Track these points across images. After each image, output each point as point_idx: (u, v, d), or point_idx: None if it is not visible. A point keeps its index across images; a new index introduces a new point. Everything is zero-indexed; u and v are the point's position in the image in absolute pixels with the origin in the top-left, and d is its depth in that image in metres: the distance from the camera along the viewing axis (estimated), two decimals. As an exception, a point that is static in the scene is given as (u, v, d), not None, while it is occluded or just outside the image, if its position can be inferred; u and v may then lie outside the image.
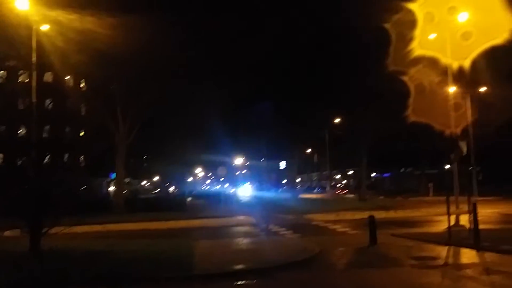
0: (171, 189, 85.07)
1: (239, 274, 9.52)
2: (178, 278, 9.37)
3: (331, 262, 11.05)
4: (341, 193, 66.75)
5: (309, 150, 68.39)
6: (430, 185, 46.22)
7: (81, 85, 38.48)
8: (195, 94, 34.58)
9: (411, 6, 26.24)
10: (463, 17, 22.69)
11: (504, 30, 26.85)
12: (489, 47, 29.34)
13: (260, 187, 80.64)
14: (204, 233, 18.55)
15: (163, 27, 24.45)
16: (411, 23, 25.72)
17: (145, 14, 22.77)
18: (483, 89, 38.36)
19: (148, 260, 10.80)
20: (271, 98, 46.87)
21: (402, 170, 77.00)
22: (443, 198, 37.10)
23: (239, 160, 57.63)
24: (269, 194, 63.15)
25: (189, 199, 48.75)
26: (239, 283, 9.00)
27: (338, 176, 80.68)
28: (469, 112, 38.97)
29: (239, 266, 10.09)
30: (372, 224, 13.26)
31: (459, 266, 9.56)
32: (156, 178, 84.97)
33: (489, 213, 20.98)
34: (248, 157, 58.77)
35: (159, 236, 17.30)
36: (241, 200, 45.76)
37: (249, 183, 77.67)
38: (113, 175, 44.24)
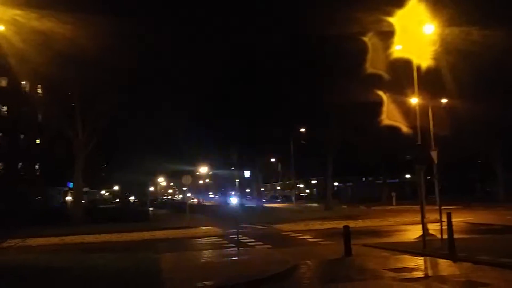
0: (132, 198, 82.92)
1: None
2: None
3: (308, 275, 10.54)
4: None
5: (273, 160, 68.23)
6: (393, 194, 46.81)
7: (38, 91, 36.75)
8: (158, 102, 33.74)
9: (379, 17, 26.62)
10: (429, 29, 23.07)
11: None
12: (452, 59, 30.26)
13: (225, 198, 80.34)
14: (169, 245, 17.73)
15: (127, 31, 23.61)
16: (382, 34, 26.03)
17: (109, 16, 21.84)
18: (444, 101, 39.29)
19: (111, 279, 9.92)
20: (236, 107, 46.40)
21: (363, 179, 78.29)
22: (406, 207, 37.72)
23: (203, 169, 56.67)
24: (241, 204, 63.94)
25: (151, 209, 47.40)
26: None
27: (302, 186, 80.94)
28: (431, 124, 39.84)
29: (209, 282, 9.34)
30: (347, 235, 12.88)
31: (441, 279, 9.24)
32: (115, 188, 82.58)
33: (455, 222, 21.06)
34: (212, 166, 57.90)
35: (121, 249, 16.35)
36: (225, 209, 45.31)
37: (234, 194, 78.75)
38: (71, 185, 42.42)
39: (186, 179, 33.48)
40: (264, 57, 41.30)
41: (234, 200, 64.89)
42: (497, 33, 25.91)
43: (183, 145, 51.03)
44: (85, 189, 44.41)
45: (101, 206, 50.12)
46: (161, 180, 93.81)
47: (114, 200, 78.40)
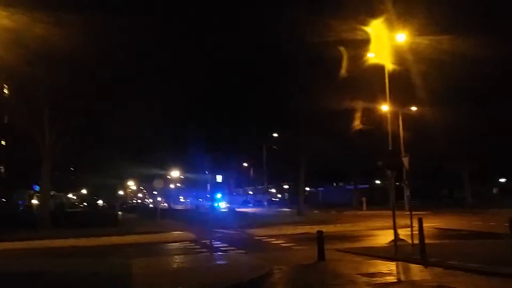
0: (100, 202, 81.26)
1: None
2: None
3: (283, 281, 10.47)
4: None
5: (245, 164, 68.28)
6: (364, 199, 47.49)
7: (4, 90, 35.55)
8: (128, 105, 33.18)
9: (352, 26, 27.00)
10: (401, 37, 23.52)
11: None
12: (422, 67, 30.98)
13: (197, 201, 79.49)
14: (139, 250, 17.38)
15: (98, 29, 23.09)
16: (355, 42, 26.39)
17: (79, 14, 21.29)
18: (414, 108, 40.16)
19: (82, 284, 9.59)
20: (209, 112, 46.20)
21: (334, 184, 79.14)
22: (377, 212, 38.18)
23: (175, 173, 56.05)
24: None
25: (120, 213, 46.50)
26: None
27: (273, 190, 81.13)
28: (401, 130, 40.70)
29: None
30: (320, 240, 12.90)
31: (413, 284, 9.34)
32: (83, 191, 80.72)
33: (425, 227, 21.44)
34: (184, 170, 57.36)
35: (90, 254, 15.91)
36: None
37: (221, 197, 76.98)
38: (37, 187, 41.19)
39: (158, 183, 33.08)
40: (238, 63, 41.36)
41: (222, 204, 63.95)
42: (466, 42, 26.62)
43: (154, 149, 50.32)
44: (52, 192, 43.19)
45: (68, 210, 48.84)
46: (131, 184, 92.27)
47: (82, 204, 76.65)
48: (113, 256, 15.17)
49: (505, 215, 24.86)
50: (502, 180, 67.36)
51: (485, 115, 35.63)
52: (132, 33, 25.34)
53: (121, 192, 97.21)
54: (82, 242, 20.18)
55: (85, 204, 75.60)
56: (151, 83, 33.15)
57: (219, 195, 63.13)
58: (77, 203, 76.28)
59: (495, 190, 67.58)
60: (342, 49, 25.47)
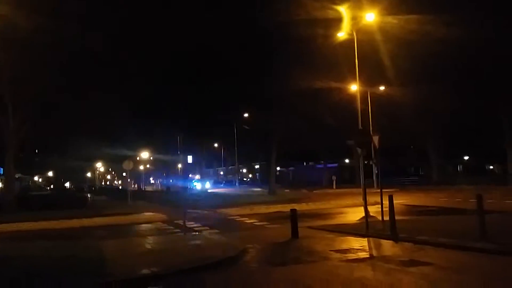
0: (67, 184, 79.66)
1: (157, 278, 8.53)
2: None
3: (257, 259, 10.54)
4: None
5: (216, 145, 68.00)
6: (334, 178, 48.22)
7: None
8: (96, 84, 32.26)
9: (323, 4, 26.92)
10: (370, 17, 23.61)
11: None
12: (390, 47, 31.29)
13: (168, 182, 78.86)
14: (111, 232, 17.13)
15: (63, 8, 22.26)
16: (326, 21, 26.35)
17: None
18: (382, 88, 40.72)
19: (54, 267, 9.37)
20: (180, 92, 45.49)
21: (304, 163, 79.96)
22: (346, 190, 38.87)
23: (145, 154, 55.30)
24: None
25: (89, 195, 45.71)
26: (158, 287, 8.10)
27: (244, 170, 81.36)
28: (370, 109, 41.28)
29: (156, 269, 9.04)
30: (294, 218, 13.03)
31: (385, 259, 9.56)
32: (50, 174, 78.89)
33: (394, 204, 22.06)
34: (154, 151, 56.60)
35: (60, 237, 15.59)
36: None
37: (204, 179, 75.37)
38: (1, 171, 39.93)
39: (127, 164, 32.55)
40: (210, 42, 40.71)
41: (198, 185, 63.52)
42: (434, 21, 27.00)
43: (123, 129, 49.40)
44: (17, 175, 41.96)
45: (34, 193, 47.60)
46: (100, 166, 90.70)
47: (49, 187, 74.91)
48: (85, 239, 14.92)
49: (470, 191, 25.84)
50: (466, 157, 69.66)
51: (452, 93, 36.42)
52: (97, 14, 24.58)
53: (89, 174, 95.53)
54: (51, 225, 19.73)
55: (51, 187, 73.96)
56: (118, 63, 32.34)
57: (197, 177, 63.00)
58: (43, 186, 74.53)
59: (459, 168, 69.95)
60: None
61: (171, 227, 17.73)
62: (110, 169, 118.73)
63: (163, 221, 20.19)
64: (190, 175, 69.62)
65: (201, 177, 73.35)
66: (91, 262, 9.71)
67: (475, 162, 66.03)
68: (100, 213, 24.12)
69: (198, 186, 64.95)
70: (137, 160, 63.03)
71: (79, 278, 8.37)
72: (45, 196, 38.55)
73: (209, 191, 54.81)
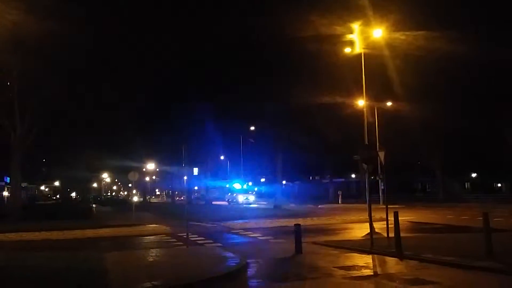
0: (73, 195, 79.86)
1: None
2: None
3: (260, 274, 10.41)
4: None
5: (222, 157, 67.96)
6: (339, 192, 47.93)
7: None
8: (105, 95, 32.53)
9: (331, 20, 27.06)
10: (378, 33, 23.67)
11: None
12: (398, 63, 31.31)
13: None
14: (114, 243, 17.09)
15: (71, 18, 22.53)
16: (334, 37, 26.46)
17: (57, 2, 20.71)
18: (389, 103, 40.63)
19: (54, 278, 9.31)
20: (187, 104, 45.64)
21: (310, 178, 79.71)
22: (352, 205, 38.57)
23: (150, 166, 55.32)
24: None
25: (94, 206, 45.79)
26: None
27: (250, 183, 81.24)
28: (377, 125, 41.13)
29: (158, 282, 8.88)
30: (298, 233, 12.90)
31: (390, 277, 9.40)
32: (56, 183, 79.10)
33: (399, 221, 21.81)
34: (160, 163, 56.60)
35: (63, 247, 15.56)
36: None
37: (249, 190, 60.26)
38: (8, 179, 40.10)
39: (133, 175, 32.50)
40: (216, 55, 41.06)
41: (241, 198, 53.13)
42: (442, 38, 26.98)
43: (130, 140, 49.49)
44: (23, 184, 42.14)
45: (40, 203, 47.77)
46: (105, 177, 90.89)
47: (55, 196, 75.16)
48: (87, 250, 14.87)
49: (476, 209, 25.54)
50: (474, 175, 68.99)
51: (459, 110, 36.26)
52: (104, 21, 24.86)
53: (95, 185, 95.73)
54: (55, 235, 19.73)
55: (58, 196, 74.19)
56: (130, 74, 32.65)
57: (238, 185, 55.72)
58: (49, 196, 74.81)
59: (467, 185, 69.25)
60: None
61: (174, 240, 17.63)
62: (116, 180, 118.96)
63: (167, 234, 20.11)
64: (195, 188, 66.56)
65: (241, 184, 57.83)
66: (91, 274, 9.64)
67: (482, 179, 65.37)
68: (104, 225, 24.09)
69: (240, 198, 54.21)
70: (143, 171, 63.14)
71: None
72: (50, 206, 38.71)
73: (213, 203, 54.17)
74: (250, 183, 59.51)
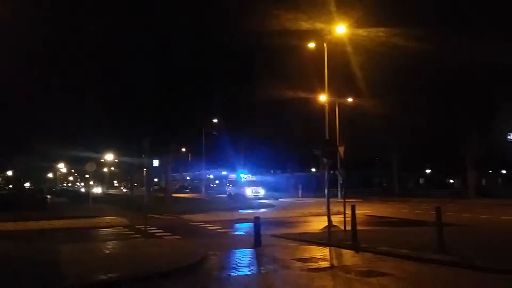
0: (27, 185, 77.18)
1: (115, 284, 8.26)
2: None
3: (218, 266, 10.40)
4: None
5: (184, 149, 67.28)
6: (300, 186, 48.49)
7: None
8: (62, 85, 31.52)
9: (296, 15, 27.22)
10: (341, 29, 24.02)
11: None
12: (359, 59, 31.90)
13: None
14: (70, 235, 16.64)
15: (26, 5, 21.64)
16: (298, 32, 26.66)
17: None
18: (350, 99, 41.41)
19: (7, 270, 8.96)
20: (148, 95, 44.71)
21: (272, 171, 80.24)
22: (312, 199, 39.04)
23: (109, 156, 54.15)
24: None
25: (49, 197, 44.39)
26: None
27: (211, 176, 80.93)
28: (337, 120, 41.86)
29: (114, 275, 8.72)
30: (257, 226, 12.96)
31: (346, 268, 9.61)
32: (9, 173, 76.14)
33: (356, 214, 22.29)
34: (119, 153, 55.33)
35: (17, 238, 15.04)
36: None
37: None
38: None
39: (90, 166, 31.82)
40: (180, 49, 40.52)
41: (249, 191, 43.30)
42: (403, 34, 27.64)
43: (88, 130, 48.09)
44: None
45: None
46: (61, 167, 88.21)
47: (7, 187, 72.37)
48: (42, 241, 14.42)
49: (430, 204, 26.44)
50: (428, 171, 71.47)
51: (417, 107, 37.24)
52: (61, 10, 24.05)
53: (50, 175, 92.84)
54: (8, 226, 18.97)
55: (10, 186, 71.49)
56: (88, 64, 31.76)
57: (246, 176, 45.42)
58: (1, 185, 72.00)
59: (421, 181, 71.74)
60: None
61: (132, 232, 17.34)
62: (72, 170, 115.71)
63: (124, 226, 19.74)
64: (155, 179, 65.02)
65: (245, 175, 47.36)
66: (44, 267, 9.35)
67: (436, 175, 67.83)
68: (59, 216, 23.35)
69: (248, 191, 43.87)
70: (101, 162, 61.72)
71: (29, 284, 8.03)
72: (2, 196, 37.21)
73: (173, 195, 53.38)
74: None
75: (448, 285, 8.22)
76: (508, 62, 27.75)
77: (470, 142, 40.26)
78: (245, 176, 45.77)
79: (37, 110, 33.80)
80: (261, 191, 44.63)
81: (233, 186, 46.95)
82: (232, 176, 48.44)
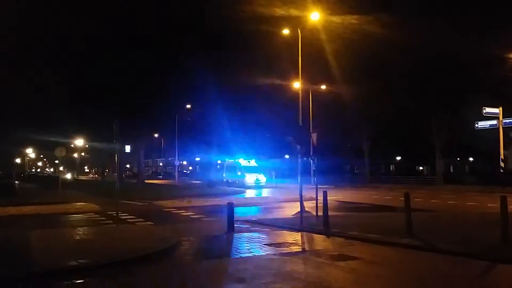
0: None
1: (85, 270, 8.13)
2: (5, 277, 7.66)
3: (191, 251, 10.42)
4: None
5: (156, 135, 66.58)
6: (273, 173, 48.81)
7: None
8: (30, 67, 30.59)
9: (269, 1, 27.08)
10: (315, 16, 24.06)
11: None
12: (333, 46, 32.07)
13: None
14: (39, 221, 16.32)
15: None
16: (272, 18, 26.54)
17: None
18: (323, 87, 41.71)
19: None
20: (119, 78, 43.80)
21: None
22: (285, 185, 39.36)
23: (79, 142, 53.09)
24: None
25: (17, 182, 43.31)
26: (85, 280, 7.76)
27: (185, 162, 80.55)
28: (311, 107, 42.15)
29: (84, 261, 8.60)
30: (230, 211, 13.01)
31: (317, 253, 9.79)
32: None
33: (328, 200, 22.64)
34: (90, 139, 54.29)
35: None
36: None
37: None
38: None
39: (60, 151, 31.15)
40: (150, 31, 39.69)
41: (250, 178, 40.77)
42: (376, 21, 27.92)
43: (57, 114, 46.91)
44: None
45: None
46: (30, 152, 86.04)
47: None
48: (10, 228, 14.10)
49: (399, 190, 27.07)
50: (398, 158, 73.02)
51: (388, 94, 37.82)
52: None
53: (18, 161, 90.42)
54: (-28, 213, 18.45)
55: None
56: (56, 47, 30.89)
57: (245, 161, 42.84)
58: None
59: (391, 167, 73.28)
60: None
61: (103, 218, 17.14)
62: (41, 156, 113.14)
63: (95, 212, 19.49)
64: (127, 165, 64.47)
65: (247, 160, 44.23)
66: (12, 253, 9.16)
67: (407, 163, 69.42)
68: (27, 202, 22.85)
69: (249, 179, 41.12)
70: (71, 147, 60.48)
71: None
72: (-34, 182, 36.07)
73: (146, 181, 52.71)
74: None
75: (412, 267, 8.52)
76: (478, 51, 28.42)
77: (437, 127, 41.14)
78: (244, 161, 43.06)
79: (3, 94, 32.70)
80: (263, 179, 42.18)
81: (229, 172, 44.10)
82: (230, 161, 44.95)
